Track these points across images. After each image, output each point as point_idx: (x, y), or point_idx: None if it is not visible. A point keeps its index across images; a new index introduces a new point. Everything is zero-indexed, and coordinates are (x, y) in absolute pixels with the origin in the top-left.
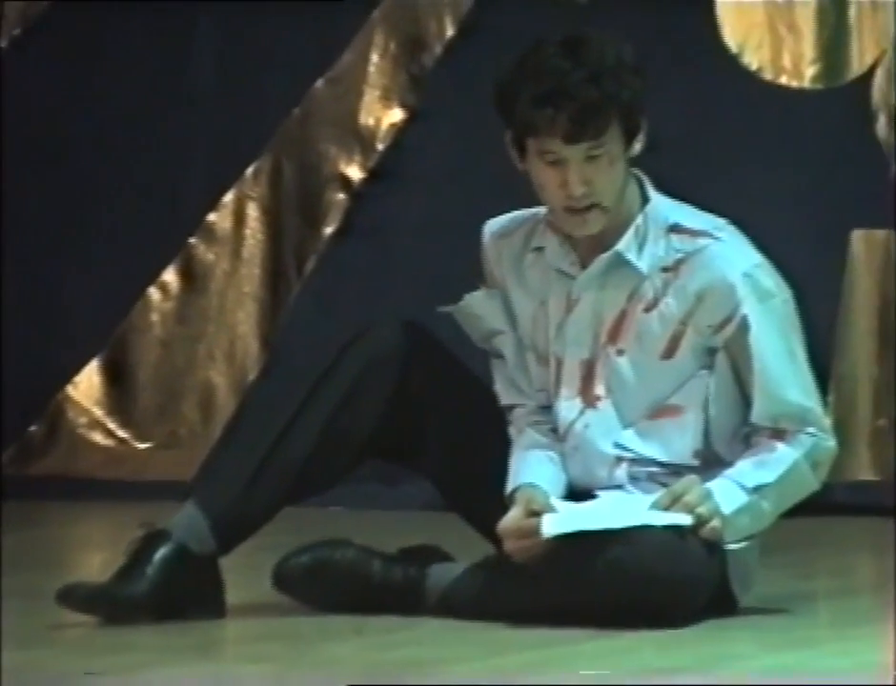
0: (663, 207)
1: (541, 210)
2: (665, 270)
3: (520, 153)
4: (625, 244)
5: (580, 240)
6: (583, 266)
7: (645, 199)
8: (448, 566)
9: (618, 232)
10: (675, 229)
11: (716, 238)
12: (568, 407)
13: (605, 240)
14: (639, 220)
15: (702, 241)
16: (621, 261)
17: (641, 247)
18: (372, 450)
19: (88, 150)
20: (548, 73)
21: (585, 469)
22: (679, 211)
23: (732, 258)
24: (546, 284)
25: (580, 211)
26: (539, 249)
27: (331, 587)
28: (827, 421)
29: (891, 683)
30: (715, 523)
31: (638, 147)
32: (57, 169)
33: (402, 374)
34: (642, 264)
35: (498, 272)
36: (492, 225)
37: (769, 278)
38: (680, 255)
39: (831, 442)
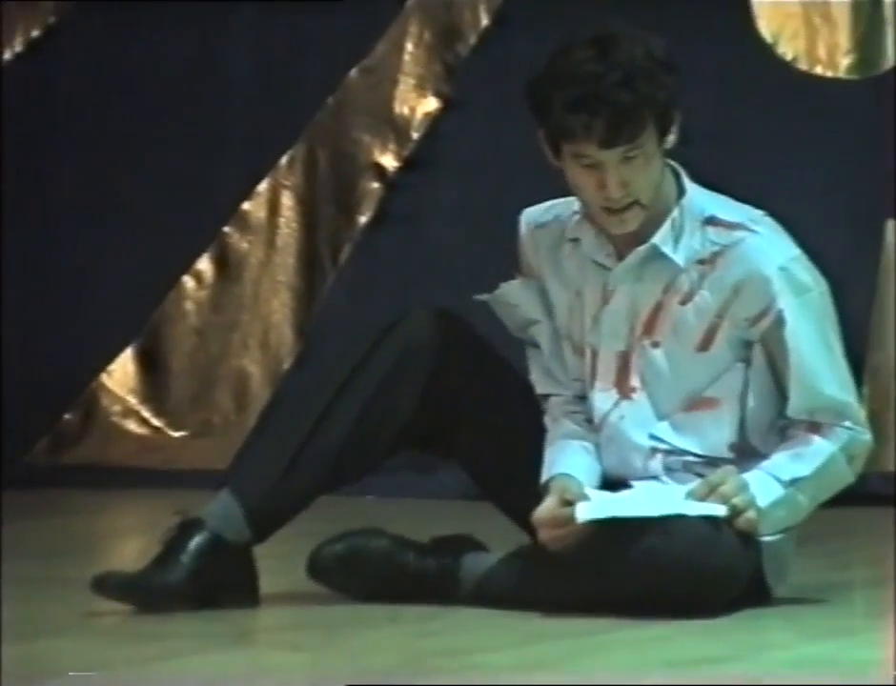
0: (700, 199)
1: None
2: (702, 262)
3: (554, 152)
4: (662, 237)
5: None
6: (620, 257)
7: (682, 191)
8: (482, 555)
9: (654, 225)
10: (711, 221)
11: (752, 231)
12: (603, 398)
13: (642, 232)
14: (675, 213)
15: (738, 234)
16: (657, 254)
17: (677, 239)
18: (407, 439)
19: (123, 136)
20: (581, 78)
21: (620, 460)
22: (715, 202)
23: (768, 251)
24: (583, 274)
25: (619, 211)
26: (576, 240)
27: (365, 576)
28: (863, 414)
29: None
30: (750, 514)
31: (671, 139)
32: (94, 154)
33: (437, 363)
34: (679, 257)
35: (536, 261)
36: (528, 214)
37: (806, 272)
38: (716, 248)
39: (867, 435)
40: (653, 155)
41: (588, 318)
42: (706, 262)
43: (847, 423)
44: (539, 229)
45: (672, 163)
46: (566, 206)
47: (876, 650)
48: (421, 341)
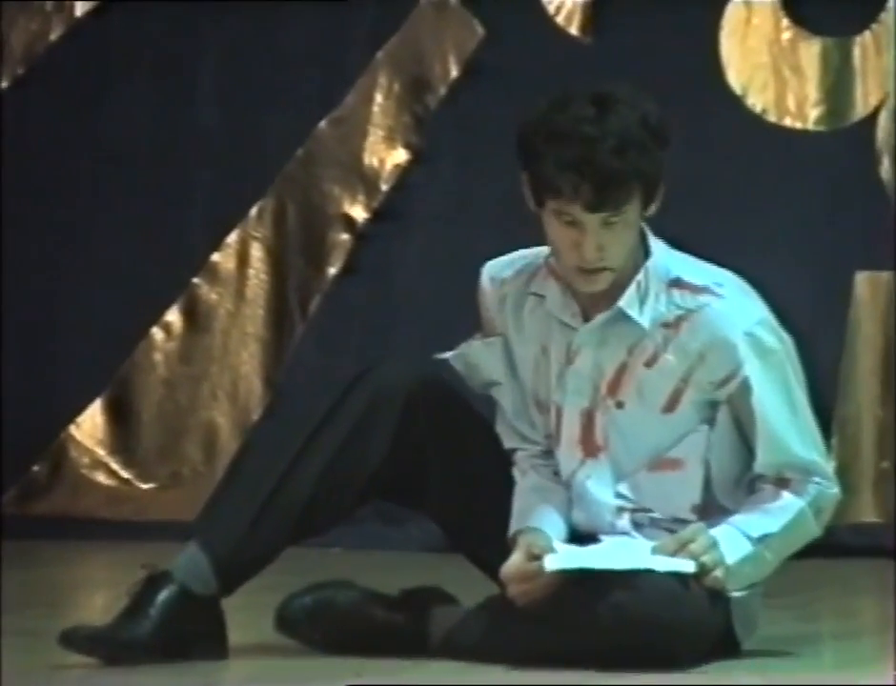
0: (665, 259)
1: (541, 250)
2: (666, 325)
3: (536, 201)
4: (627, 300)
5: (583, 292)
6: (585, 317)
7: (647, 251)
8: (451, 608)
9: (620, 285)
10: (677, 283)
11: (717, 295)
12: (569, 456)
13: (607, 293)
14: (640, 275)
15: (703, 298)
16: (622, 316)
17: (642, 302)
18: (375, 490)
19: (90, 188)
20: (575, 140)
21: (589, 516)
22: (680, 264)
23: (733, 317)
24: (547, 330)
25: (591, 272)
26: (540, 296)
27: (333, 629)
28: (831, 469)
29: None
30: (718, 573)
31: (653, 208)
32: (59, 207)
33: (405, 415)
34: (644, 320)
35: (499, 316)
36: (491, 268)
37: (771, 334)
38: (681, 312)
39: (835, 489)
40: (633, 224)
41: (553, 376)
42: (671, 326)
43: (816, 478)
44: (503, 283)
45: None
46: (530, 259)
47: None
48: (390, 392)
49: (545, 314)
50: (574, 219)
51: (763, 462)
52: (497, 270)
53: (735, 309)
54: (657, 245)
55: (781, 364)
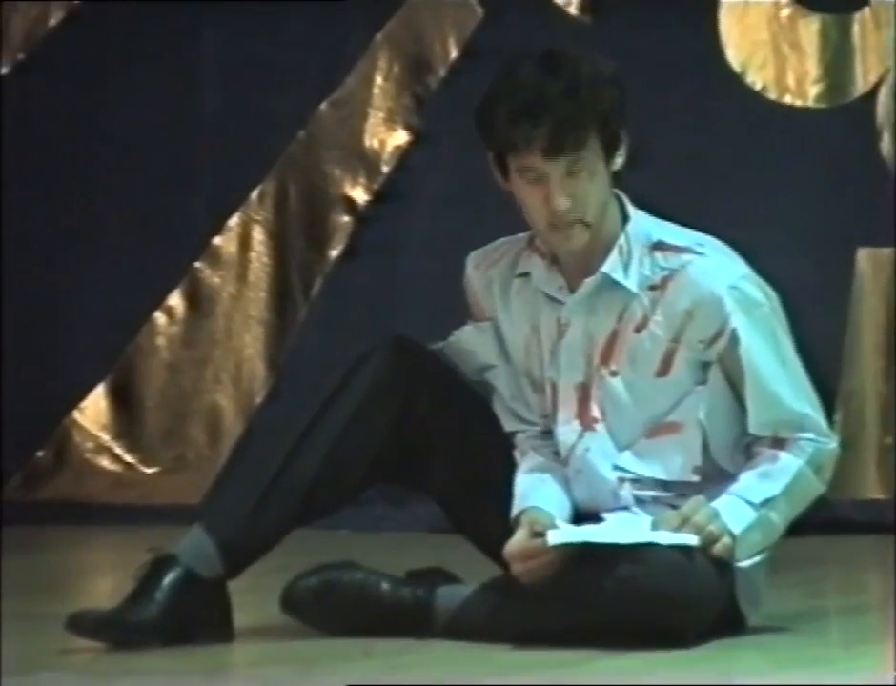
0: (645, 224)
1: (523, 236)
2: (652, 288)
3: (503, 173)
4: (611, 265)
5: (567, 264)
6: (571, 289)
7: (625, 218)
8: (456, 588)
9: (602, 254)
10: (658, 246)
11: (699, 253)
12: (567, 431)
13: (591, 263)
14: (621, 239)
15: (686, 257)
16: (608, 282)
17: (626, 266)
18: (378, 472)
19: (91, 174)
20: (524, 88)
21: (590, 492)
22: (660, 228)
23: (717, 272)
24: (535, 309)
25: (564, 227)
26: (525, 274)
27: (339, 610)
28: (825, 424)
29: (891, 684)
30: (726, 540)
31: (619, 161)
32: (60, 193)
33: (407, 396)
34: (630, 283)
35: (487, 301)
36: (475, 256)
37: (756, 288)
38: (665, 273)
39: (832, 444)
40: (598, 172)
41: (546, 353)
42: (657, 287)
43: (810, 435)
44: (487, 268)
45: (615, 190)
46: (513, 244)
47: (849, 677)
48: (391, 373)
49: (532, 293)
50: (537, 174)
51: (755, 419)
52: (481, 257)
53: (718, 265)
54: (635, 212)
55: (767, 317)
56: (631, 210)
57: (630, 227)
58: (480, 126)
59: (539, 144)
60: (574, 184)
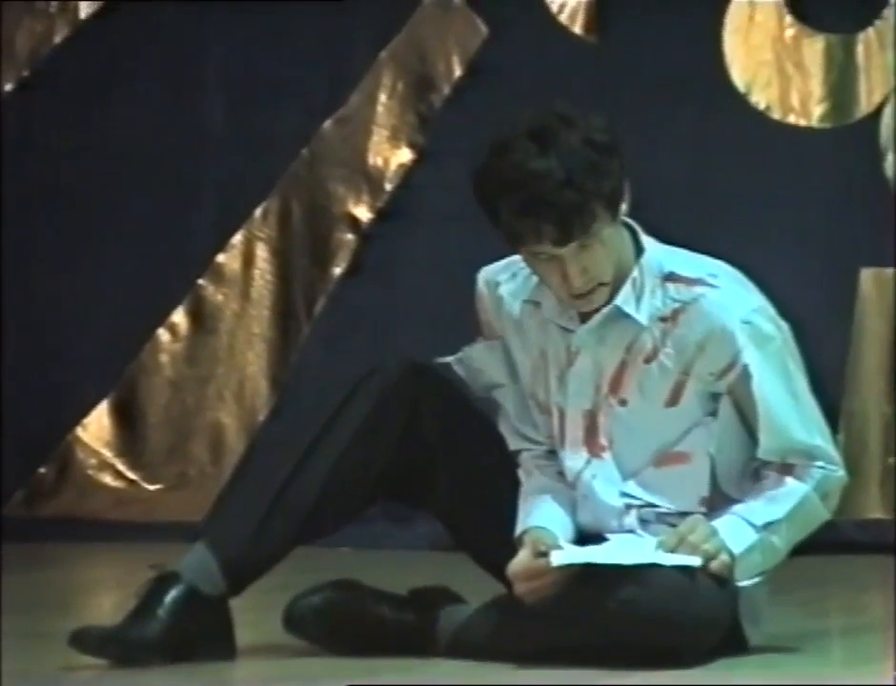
0: (658, 255)
1: None
2: (663, 320)
3: (513, 246)
4: (624, 298)
5: None
6: (582, 319)
7: (639, 248)
8: (459, 607)
9: (614, 285)
10: (671, 278)
11: (712, 286)
12: (574, 457)
13: None
14: (635, 272)
15: (698, 289)
16: (620, 314)
17: (639, 299)
18: (382, 490)
19: (94, 190)
20: (523, 183)
21: (595, 516)
22: (673, 258)
23: (729, 306)
24: (545, 335)
25: (586, 295)
26: (536, 302)
27: (342, 629)
28: (836, 453)
29: (891, 683)
30: (723, 557)
31: (624, 208)
32: (65, 209)
33: (411, 415)
34: (642, 316)
35: (497, 320)
36: (487, 273)
37: (768, 322)
38: (677, 305)
39: (840, 472)
40: (608, 237)
41: (553, 379)
42: (668, 319)
43: (820, 463)
44: (498, 287)
45: (628, 221)
46: (524, 264)
47: None
48: (395, 392)
49: (542, 320)
50: (550, 256)
51: (766, 448)
52: (492, 274)
53: (731, 298)
54: (648, 242)
55: (779, 351)
56: (644, 240)
57: (644, 259)
58: (483, 208)
59: (547, 236)
60: (587, 256)
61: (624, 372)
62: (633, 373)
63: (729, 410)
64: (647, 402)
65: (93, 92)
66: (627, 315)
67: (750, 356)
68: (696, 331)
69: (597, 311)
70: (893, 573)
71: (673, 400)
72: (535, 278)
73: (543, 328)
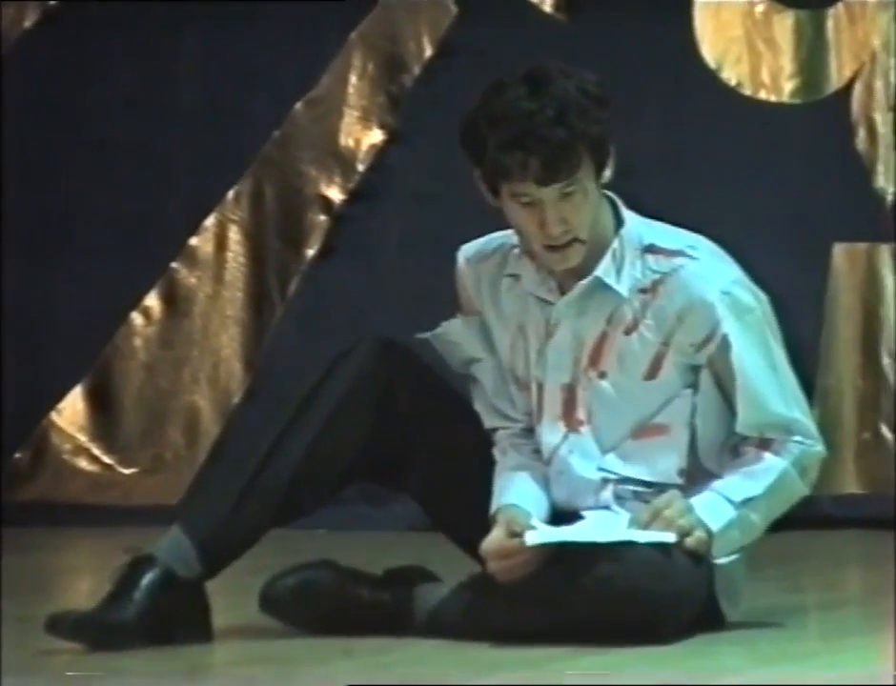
0: (638, 227)
1: (515, 234)
2: (643, 291)
3: (492, 192)
4: (604, 269)
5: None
6: (561, 291)
7: (619, 221)
8: (435, 586)
9: (594, 257)
10: (650, 249)
11: (691, 257)
12: (551, 432)
13: (582, 265)
14: (615, 244)
15: (677, 261)
16: (600, 286)
17: (619, 270)
18: (357, 471)
19: (68, 173)
20: (515, 116)
21: (571, 492)
22: (653, 230)
23: (709, 277)
24: (524, 309)
25: (560, 248)
26: (515, 275)
27: (318, 609)
28: (813, 427)
29: (891, 684)
30: (699, 533)
31: (608, 173)
32: (36, 193)
33: (386, 395)
34: (622, 287)
35: (477, 296)
36: (467, 250)
37: (747, 293)
38: (656, 276)
39: (819, 447)
40: (590, 191)
41: (532, 353)
42: (648, 291)
43: (797, 438)
44: (478, 263)
45: (609, 193)
46: (504, 239)
47: (830, 672)
48: (369, 372)
49: (522, 293)
50: (531, 199)
51: (744, 421)
52: (472, 251)
53: (710, 269)
54: (629, 214)
55: (758, 322)
56: (625, 212)
57: (624, 231)
58: (467, 147)
59: (532, 172)
60: (568, 206)
61: (604, 343)
62: (613, 344)
63: (709, 383)
64: (626, 375)
65: (65, 78)
66: (607, 287)
67: (730, 327)
68: (675, 302)
69: (577, 282)
70: (874, 547)
71: (652, 373)
72: (514, 253)
73: (523, 302)
